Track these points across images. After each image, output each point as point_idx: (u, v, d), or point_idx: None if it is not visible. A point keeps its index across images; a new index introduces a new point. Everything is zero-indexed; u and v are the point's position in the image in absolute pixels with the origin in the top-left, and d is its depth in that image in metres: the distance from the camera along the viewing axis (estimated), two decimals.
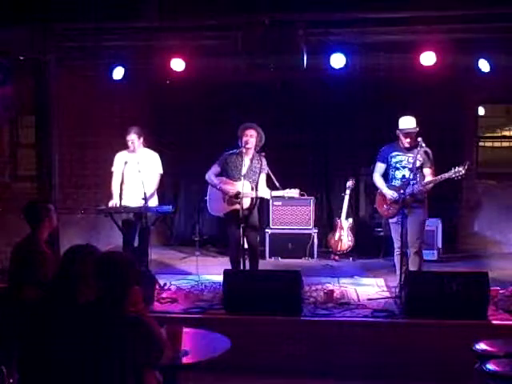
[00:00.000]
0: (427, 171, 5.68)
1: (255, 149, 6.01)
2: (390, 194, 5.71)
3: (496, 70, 6.58)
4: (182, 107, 8.65)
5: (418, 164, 5.63)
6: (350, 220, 8.08)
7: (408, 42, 6.31)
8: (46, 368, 2.78)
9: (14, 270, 4.22)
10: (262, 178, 5.97)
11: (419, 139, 5.54)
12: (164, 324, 3.23)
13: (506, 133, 9.29)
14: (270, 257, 7.97)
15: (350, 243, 7.99)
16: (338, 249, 7.99)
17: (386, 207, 5.81)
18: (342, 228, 8.00)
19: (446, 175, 5.42)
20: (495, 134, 9.35)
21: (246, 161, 5.94)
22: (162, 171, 6.46)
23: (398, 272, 5.72)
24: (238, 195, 5.82)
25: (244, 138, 5.90)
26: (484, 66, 6.52)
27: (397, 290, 5.58)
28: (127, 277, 2.89)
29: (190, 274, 6.90)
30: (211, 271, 6.75)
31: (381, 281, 6.50)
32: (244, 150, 5.92)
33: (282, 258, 7.96)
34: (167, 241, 9.18)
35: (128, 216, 6.26)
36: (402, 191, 5.57)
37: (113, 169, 6.43)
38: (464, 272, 5.68)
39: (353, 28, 6.04)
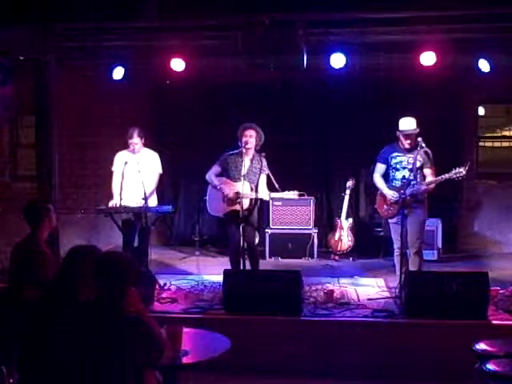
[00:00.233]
0: (427, 172, 5.68)
1: (255, 148, 6.01)
2: (391, 194, 5.71)
3: (496, 70, 6.58)
4: (181, 107, 8.65)
5: (418, 164, 5.63)
6: (350, 220, 8.08)
7: (408, 42, 6.31)
8: (46, 368, 2.78)
9: (14, 269, 4.22)
10: (262, 178, 5.98)
11: (419, 139, 5.54)
12: (164, 324, 3.23)
13: (506, 133, 9.28)
14: (270, 257, 7.97)
15: (350, 243, 7.99)
16: (338, 249, 7.99)
17: (387, 207, 5.81)
18: (342, 228, 8.00)
19: (447, 176, 5.42)
20: (495, 134, 9.34)
21: (246, 161, 5.94)
22: (161, 171, 6.46)
23: (397, 272, 5.72)
24: (237, 196, 5.82)
25: (244, 139, 5.91)
26: (484, 65, 6.52)
27: (397, 290, 5.58)
28: (125, 276, 2.89)
29: (190, 273, 6.90)
30: (211, 271, 6.75)
31: (381, 281, 6.50)
32: (244, 151, 5.93)
33: (282, 258, 7.95)
34: (167, 241, 9.17)
35: (128, 216, 6.26)
36: (402, 192, 5.57)
37: (113, 169, 6.43)
38: (464, 272, 5.67)
39: (353, 28, 6.04)
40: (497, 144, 9.27)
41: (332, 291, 5.73)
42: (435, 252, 7.69)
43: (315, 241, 7.97)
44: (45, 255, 4.13)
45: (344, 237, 7.99)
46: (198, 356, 3.27)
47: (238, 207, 5.78)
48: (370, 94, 8.01)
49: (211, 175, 6.05)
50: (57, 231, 5.73)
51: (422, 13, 5.56)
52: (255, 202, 5.96)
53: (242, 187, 5.78)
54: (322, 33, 6.12)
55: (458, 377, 4.36)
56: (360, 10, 5.50)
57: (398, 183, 5.76)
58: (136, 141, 6.29)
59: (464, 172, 5.34)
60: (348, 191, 7.99)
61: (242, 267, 5.86)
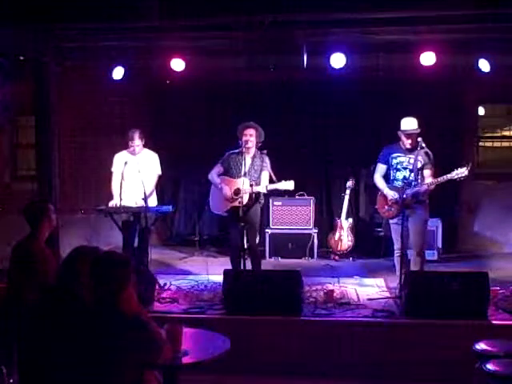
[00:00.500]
0: (428, 172, 5.67)
1: (256, 146, 6.04)
2: (392, 194, 5.71)
3: (496, 70, 6.58)
4: (181, 107, 8.64)
5: (418, 165, 5.62)
6: (350, 220, 8.08)
7: (408, 42, 6.32)
8: (45, 368, 2.78)
9: (14, 269, 4.22)
10: (264, 176, 5.98)
11: (419, 139, 5.54)
12: (164, 324, 3.23)
13: (506, 133, 9.27)
14: (270, 257, 7.97)
15: (350, 243, 7.99)
16: (338, 249, 7.99)
17: (387, 208, 5.80)
18: (342, 228, 8.00)
19: (449, 176, 5.41)
20: (495, 134, 9.33)
21: (248, 159, 5.97)
22: (160, 172, 6.45)
23: (397, 272, 5.71)
24: (238, 192, 5.84)
25: (244, 138, 5.94)
26: (484, 65, 6.52)
27: (397, 290, 5.58)
28: (122, 277, 2.89)
29: (190, 273, 6.90)
30: (211, 271, 6.75)
31: (381, 281, 6.49)
32: (245, 150, 5.96)
33: (282, 258, 7.95)
34: (167, 241, 9.17)
35: (128, 216, 6.26)
36: (403, 192, 5.57)
37: (112, 169, 6.43)
38: (464, 272, 5.66)
39: (353, 28, 6.03)
40: (497, 144, 9.26)
41: (332, 291, 5.73)
42: (435, 252, 7.68)
43: (315, 241, 7.97)
44: (45, 255, 4.13)
45: (344, 237, 7.98)
46: (197, 356, 3.27)
47: (238, 204, 5.79)
48: (370, 94, 8.01)
49: (213, 175, 6.08)
50: (57, 231, 5.73)
51: (422, 13, 5.56)
52: (255, 197, 5.96)
53: (243, 184, 5.81)
54: (322, 33, 6.12)
55: (458, 377, 4.37)
56: (360, 10, 5.49)
57: (398, 183, 5.75)
58: (137, 143, 6.30)
59: (466, 173, 5.34)
60: (348, 191, 7.99)
61: (242, 267, 5.86)
